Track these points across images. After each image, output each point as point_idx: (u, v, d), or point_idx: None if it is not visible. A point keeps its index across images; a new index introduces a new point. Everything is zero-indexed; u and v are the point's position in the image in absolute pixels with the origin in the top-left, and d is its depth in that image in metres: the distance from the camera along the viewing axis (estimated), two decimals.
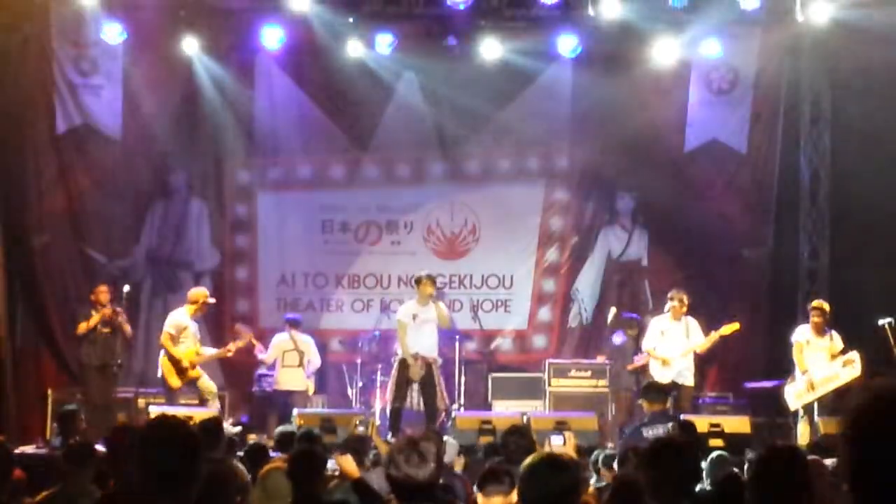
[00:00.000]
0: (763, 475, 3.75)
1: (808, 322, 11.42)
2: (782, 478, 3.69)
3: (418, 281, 11.70)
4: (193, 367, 11.47)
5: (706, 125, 13.97)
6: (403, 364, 11.48)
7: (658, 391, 10.21)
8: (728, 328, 11.60)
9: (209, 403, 11.35)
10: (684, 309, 11.60)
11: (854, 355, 11.01)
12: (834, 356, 11.13)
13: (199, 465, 3.14)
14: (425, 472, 3.68)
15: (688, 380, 11.55)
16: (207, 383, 11.55)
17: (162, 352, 11.56)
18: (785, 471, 3.72)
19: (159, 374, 11.56)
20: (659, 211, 14.04)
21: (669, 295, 11.76)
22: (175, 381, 11.40)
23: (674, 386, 11.38)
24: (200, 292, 11.94)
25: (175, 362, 11.39)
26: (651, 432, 8.99)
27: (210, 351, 11.97)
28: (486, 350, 13.95)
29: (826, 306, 11.30)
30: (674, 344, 11.55)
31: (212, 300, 12.01)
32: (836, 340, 11.20)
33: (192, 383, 11.52)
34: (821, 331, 11.21)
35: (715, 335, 11.57)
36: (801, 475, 3.74)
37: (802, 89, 13.50)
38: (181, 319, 11.60)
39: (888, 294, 11.71)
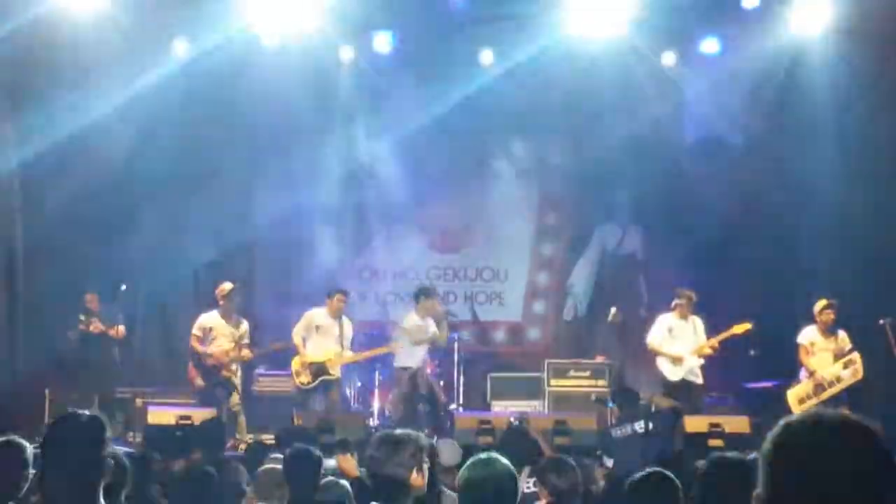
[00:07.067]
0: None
1: (812, 323, 11.11)
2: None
3: (426, 295, 11.67)
4: (224, 366, 10.97)
5: (705, 120, 13.95)
6: (413, 379, 11.49)
7: (626, 395, 10.84)
8: (740, 327, 11.24)
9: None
10: (691, 307, 11.33)
11: (855, 356, 10.87)
12: (838, 357, 10.94)
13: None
14: (400, 469, 3.81)
15: (698, 378, 11.35)
16: (235, 397, 11.04)
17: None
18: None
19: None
20: (655, 206, 14.03)
21: (676, 292, 11.42)
22: (198, 382, 11.00)
23: (685, 384, 11.22)
24: (222, 286, 11.23)
25: (196, 362, 10.98)
26: (619, 432, 9.96)
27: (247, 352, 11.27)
28: (482, 346, 13.96)
29: (835, 303, 10.98)
30: (683, 342, 11.28)
31: (230, 287, 11.16)
32: (841, 340, 10.99)
33: (227, 384, 11.00)
34: (827, 331, 11.00)
35: (726, 333, 11.26)
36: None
37: (803, 88, 13.46)
38: (204, 320, 11.12)
39: (886, 293, 11.67)
